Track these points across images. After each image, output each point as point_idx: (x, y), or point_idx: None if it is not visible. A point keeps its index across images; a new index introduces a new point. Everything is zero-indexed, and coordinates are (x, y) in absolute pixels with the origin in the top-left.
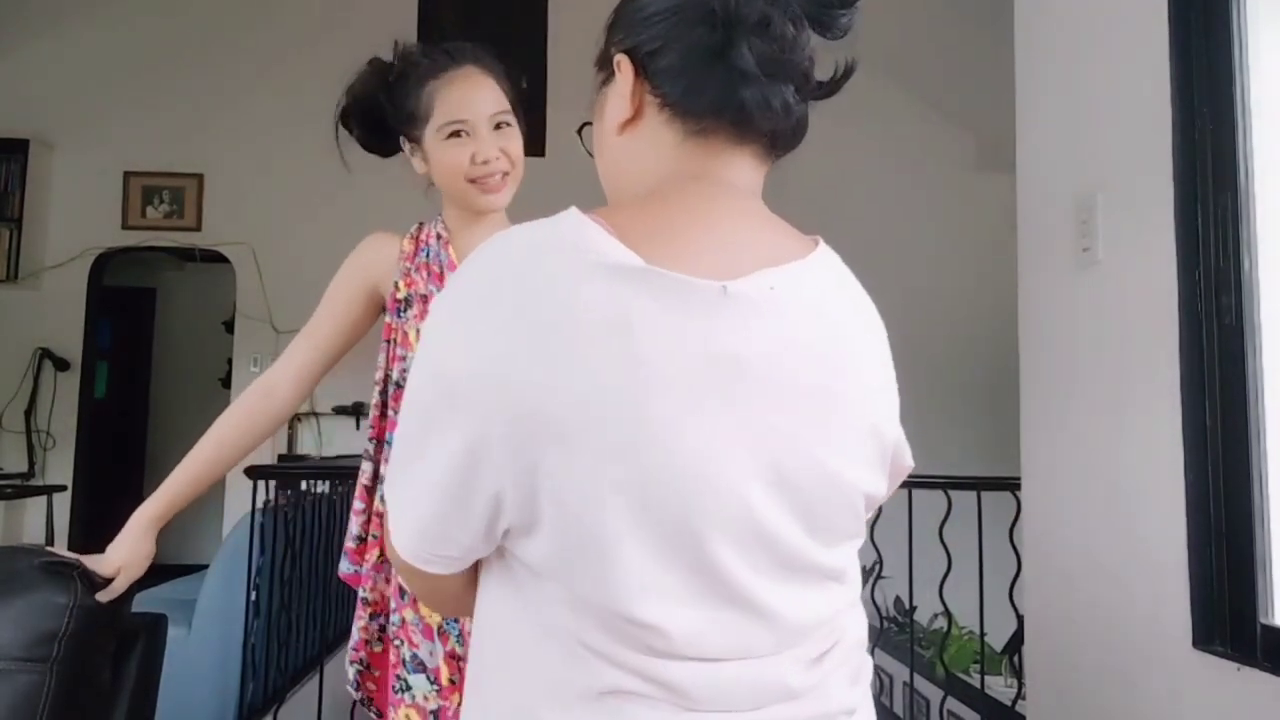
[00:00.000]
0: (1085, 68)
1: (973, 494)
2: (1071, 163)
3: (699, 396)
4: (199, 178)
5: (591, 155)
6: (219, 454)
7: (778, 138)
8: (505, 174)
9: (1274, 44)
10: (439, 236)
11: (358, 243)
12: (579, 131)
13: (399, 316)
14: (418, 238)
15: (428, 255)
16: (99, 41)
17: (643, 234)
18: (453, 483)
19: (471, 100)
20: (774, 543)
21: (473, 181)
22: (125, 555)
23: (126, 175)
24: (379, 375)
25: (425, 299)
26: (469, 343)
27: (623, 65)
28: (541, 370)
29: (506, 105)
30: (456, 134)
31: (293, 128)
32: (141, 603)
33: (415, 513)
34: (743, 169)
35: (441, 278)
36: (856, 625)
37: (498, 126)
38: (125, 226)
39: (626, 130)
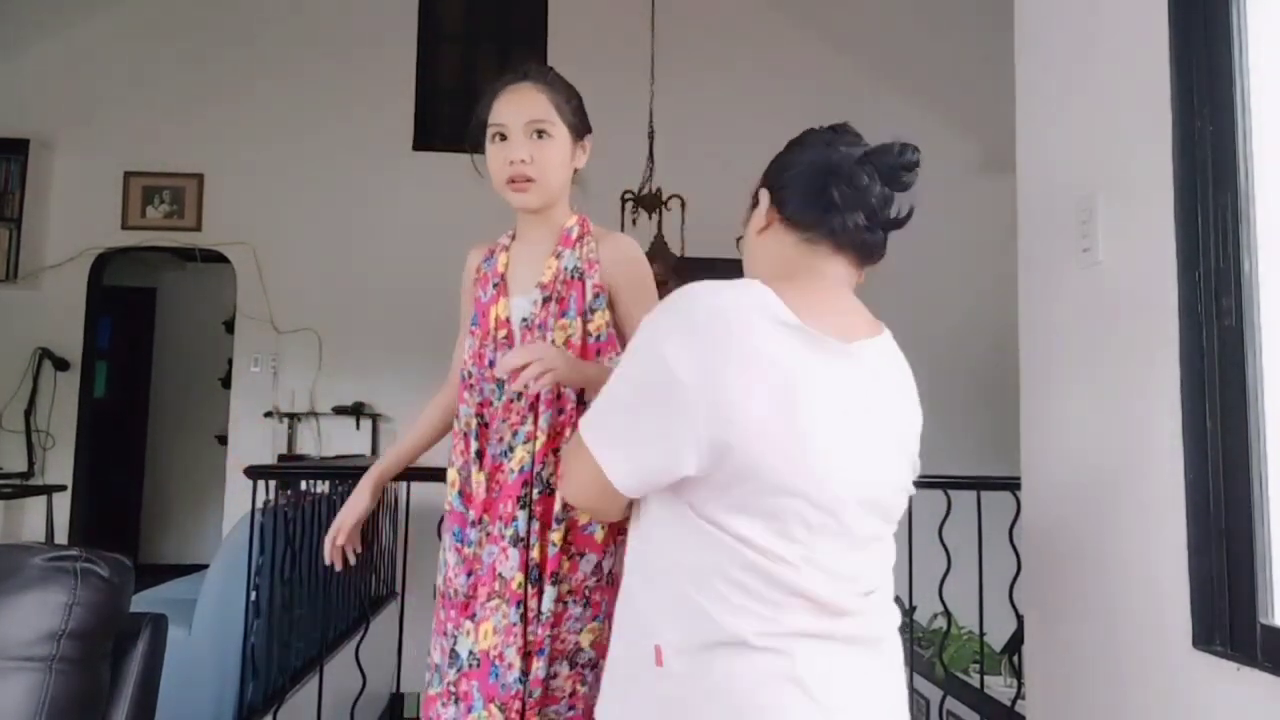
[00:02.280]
0: (1085, 68)
1: (973, 494)
2: (1071, 163)
3: (828, 414)
4: (199, 178)
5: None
6: (422, 430)
7: (861, 252)
8: (529, 179)
9: (1274, 44)
10: (503, 246)
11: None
12: (737, 241)
13: (473, 324)
14: (493, 246)
15: (488, 264)
16: (99, 42)
17: (794, 305)
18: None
19: (513, 107)
20: (859, 523)
21: (508, 182)
22: (348, 507)
23: (126, 175)
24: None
25: (478, 306)
26: (687, 348)
27: (763, 197)
28: (738, 381)
29: (551, 117)
30: (498, 136)
31: (293, 128)
32: (141, 603)
33: (632, 457)
34: (840, 269)
35: (488, 284)
36: (890, 582)
37: (537, 135)
38: (125, 226)
39: (762, 234)
